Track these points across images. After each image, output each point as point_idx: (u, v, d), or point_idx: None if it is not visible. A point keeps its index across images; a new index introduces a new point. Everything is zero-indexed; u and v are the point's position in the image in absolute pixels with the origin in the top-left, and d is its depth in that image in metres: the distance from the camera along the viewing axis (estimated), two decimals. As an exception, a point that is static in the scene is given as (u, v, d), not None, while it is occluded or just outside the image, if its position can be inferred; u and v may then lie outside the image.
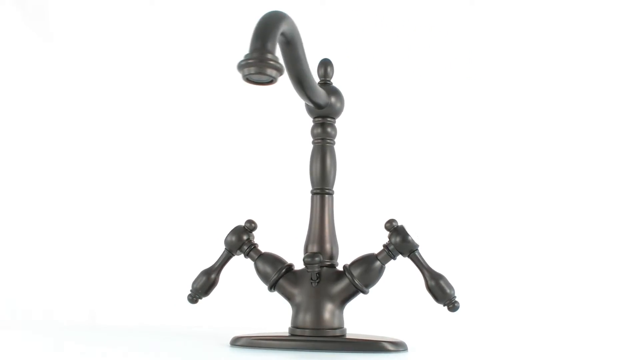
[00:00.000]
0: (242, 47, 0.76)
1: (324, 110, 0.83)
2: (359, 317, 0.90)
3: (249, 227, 0.83)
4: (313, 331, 0.78)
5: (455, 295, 0.76)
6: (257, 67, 0.60)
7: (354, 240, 0.87)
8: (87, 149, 1.28)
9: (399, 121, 1.35)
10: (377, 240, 0.80)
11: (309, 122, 0.86)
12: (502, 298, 1.24)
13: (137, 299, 1.18)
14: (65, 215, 1.25)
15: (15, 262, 1.21)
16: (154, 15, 1.32)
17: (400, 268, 0.80)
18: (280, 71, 0.61)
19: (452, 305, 0.76)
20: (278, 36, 0.63)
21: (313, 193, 0.84)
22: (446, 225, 1.31)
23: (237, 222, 0.85)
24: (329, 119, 0.84)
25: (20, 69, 1.27)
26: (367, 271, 0.78)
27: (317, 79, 0.86)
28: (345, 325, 0.82)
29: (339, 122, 0.86)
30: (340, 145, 0.87)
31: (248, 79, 0.62)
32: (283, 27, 0.64)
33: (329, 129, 0.84)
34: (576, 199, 1.31)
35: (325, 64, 0.86)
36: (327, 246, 0.82)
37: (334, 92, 0.84)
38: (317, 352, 0.76)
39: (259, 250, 0.83)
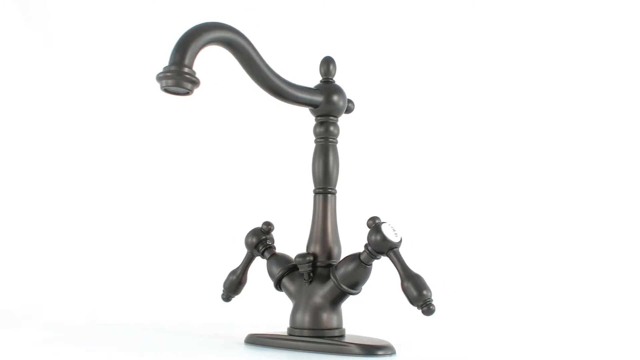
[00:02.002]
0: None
1: (326, 108, 0.83)
2: (363, 316, 0.89)
3: (265, 228, 0.86)
4: (308, 331, 0.79)
5: (432, 298, 0.71)
6: (174, 80, 0.65)
7: (357, 240, 0.86)
8: (88, 149, 1.28)
9: (402, 119, 1.34)
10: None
11: (311, 120, 0.85)
12: (499, 299, 1.24)
13: (139, 298, 1.18)
14: (66, 216, 1.25)
15: (18, 261, 1.21)
16: (155, 16, 1.32)
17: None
18: (195, 84, 0.66)
19: (426, 307, 0.70)
20: (199, 49, 0.67)
21: (315, 192, 0.84)
22: (449, 224, 1.30)
23: (238, 221, 0.86)
24: (331, 118, 0.83)
25: (20, 70, 1.27)
26: (349, 272, 0.76)
27: (319, 77, 0.85)
28: (348, 325, 0.81)
29: (342, 121, 0.85)
30: (343, 144, 0.86)
31: (166, 90, 0.67)
32: (209, 37, 0.69)
33: (331, 128, 0.83)
34: (579, 200, 1.31)
35: (328, 62, 0.85)
36: (329, 246, 0.82)
37: (336, 90, 0.83)
38: (300, 352, 0.76)
39: (272, 251, 0.86)
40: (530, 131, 1.35)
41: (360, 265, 0.75)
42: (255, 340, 0.82)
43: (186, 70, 0.66)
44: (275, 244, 0.87)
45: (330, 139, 0.83)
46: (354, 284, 0.77)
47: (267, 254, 0.85)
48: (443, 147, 1.34)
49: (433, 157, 1.33)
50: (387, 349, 0.75)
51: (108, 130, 1.29)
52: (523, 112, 1.35)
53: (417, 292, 0.70)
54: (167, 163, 1.29)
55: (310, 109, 0.84)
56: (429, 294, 0.71)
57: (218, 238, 1.21)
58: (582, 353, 0.83)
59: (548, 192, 1.34)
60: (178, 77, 0.65)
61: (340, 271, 0.77)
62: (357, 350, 0.74)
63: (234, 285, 0.88)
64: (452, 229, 1.29)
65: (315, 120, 0.84)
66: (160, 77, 0.66)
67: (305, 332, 0.78)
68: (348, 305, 0.85)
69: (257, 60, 0.75)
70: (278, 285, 0.84)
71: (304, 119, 0.88)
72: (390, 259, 0.73)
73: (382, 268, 0.81)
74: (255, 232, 0.86)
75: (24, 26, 1.26)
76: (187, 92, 0.67)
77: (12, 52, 1.27)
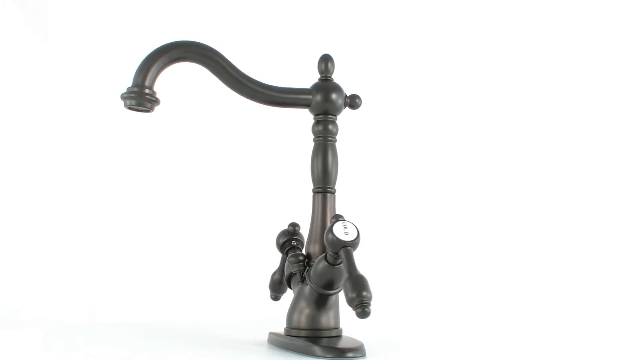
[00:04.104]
0: (243, 43, 0.76)
1: (324, 107, 0.82)
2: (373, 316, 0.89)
3: (291, 230, 0.87)
4: (304, 331, 0.78)
5: (369, 301, 0.66)
6: (136, 100, 0.75)
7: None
8: (89, 149, 1.28)
9: (402, 118, 1.33)
10: (379, 240, 0.78)
11: (311, 119, 0.85)
12: (509, 297, 1.23)
13: (139, 297, 1.19)
14: (65, 217, 1.25)
15: (17, 262, 1.21)
16: (155, 15, 1.32)
17: (410, 267, 0.78)
18: (155, 103, 0.76)
19: (361, 309, 0.65)
20: (159, 70, 0.76)
21: (314, 192, 0.83)
22: (448, 224, 1.30)
23: (238, 221, 0.85)
24: (329, 116, 0.83)
25: (20, 69, 1.27)
26: (320, 273, 0.74)
27: (318, 75, 0.84)
28: (353, 326, 0.81)
29: (341, 119, 0.85)
30: (343, 143, 0.86)
31: (130, 108, 0.76)
32: (169, 58, 0.76)
33: (329, 126, 0.83)
34: (577, 201, 1.31)
35: (326, 60, 0.84)
36: (329, 245, 0.81)
37: (334, 88, 0.82)
38: (289, 352, 0.76)
39: (294, 251, 0.85)
40: (528, 124, 1.35)
41: (328, 266, 0.73)
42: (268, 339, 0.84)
43: (147, 91, 0.75)
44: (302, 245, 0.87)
45: (329, 138, 0.83)
46: (327, 284, 0.75)
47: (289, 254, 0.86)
48: (444, 145, 1.34)
49: (433, 156, 1.32)
50: (356, 351, 0.73)
51: (108, 130, 1.29)
52: (522, 107, 1.35)
53: (355, 292, 0.66)
54: (166, 163, 1.29)
55: (309, 108, 0.83)
56: (368, 295, 0.66)
57: (218, 237, 1.21)
58: (569, 353, 0.82)
59: (551, 189, 1.33)
60: (139, 97, 0.74)
61: (314, 272, 0.76)
62: (324, 353, 0.73)
63: (276, 285, 0.88)
64: (450, 229, 1.29)
65: (314, 118, 0.84)
66: (124, 97, 0.75)
67: (303, 333, 0.78)
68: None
69: (228, 69, 0.78)
70: (288, 283, 0.85)
71: (304, 117, 0.87)
72: (341, 257, 0.70)
73: (392, 268, 0.80)
74: (282, 234, 0.87)
75: (24, 26, 1.26)
76: (148, 110, 0.76)
77: (12, 52, 1.27)
